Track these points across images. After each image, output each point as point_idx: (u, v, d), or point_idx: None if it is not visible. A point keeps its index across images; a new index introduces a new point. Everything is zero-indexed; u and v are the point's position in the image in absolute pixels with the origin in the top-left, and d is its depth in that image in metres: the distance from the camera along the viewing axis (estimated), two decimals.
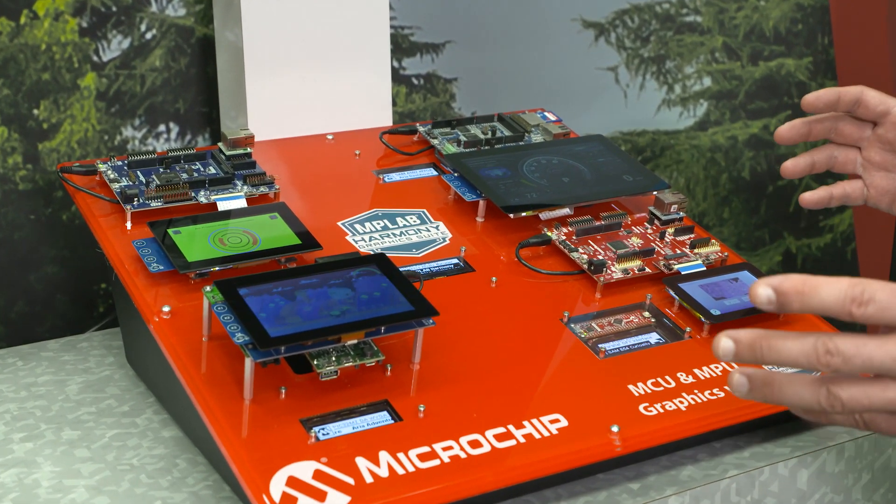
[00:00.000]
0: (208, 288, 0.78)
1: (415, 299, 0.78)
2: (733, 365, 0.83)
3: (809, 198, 1.01)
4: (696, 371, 0.82)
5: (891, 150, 0.96)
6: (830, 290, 0.65)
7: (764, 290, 0.65)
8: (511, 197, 0.93)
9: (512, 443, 0.75)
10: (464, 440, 0.74)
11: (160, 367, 0.83)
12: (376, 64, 1.05)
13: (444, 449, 0.73)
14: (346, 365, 0.76)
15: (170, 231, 0.86)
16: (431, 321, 0.78)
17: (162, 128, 1.09)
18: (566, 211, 0.94)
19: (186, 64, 1.08)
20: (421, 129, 1.04)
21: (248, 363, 0.74)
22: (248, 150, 0.95)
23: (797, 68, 1.38)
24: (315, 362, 0.76)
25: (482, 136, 1.03)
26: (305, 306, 0.76)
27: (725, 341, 0.67)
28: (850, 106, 0.97)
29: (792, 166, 1.01)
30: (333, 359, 0.76)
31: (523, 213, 0.92)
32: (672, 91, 1.32)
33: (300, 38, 1.02)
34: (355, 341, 0.76)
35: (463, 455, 0.73)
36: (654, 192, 0.96)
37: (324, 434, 0.74)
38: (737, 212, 1.40)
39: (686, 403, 0.79)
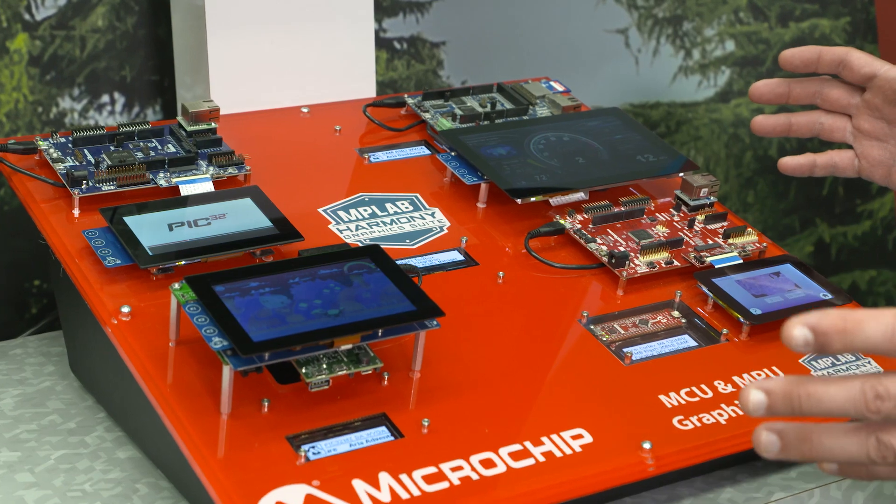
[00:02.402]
0: (177, 285, 0.79)
1: (416, 298, 0.79)
2: (776, 370, 0.85)
3: (788, 163, 1.04)
4: (736, 379, 0.84)
5: (880, 116, 0.99)
6: (877, 325, 0.65)
7: (800, 332, 0.65)
8: (517, 179, 0.95)
9: (530, 462, 0.76)
10: (475, 459, 0.76)
11: (115, 377, 0.84)
12: (357, 26, 1.06)
13: (453, 469, 0.75)
14: (340, 373, 0.77)
15: (126, 219, 0.86)
16: (436, 323, 0.79)
17: (105, 98, 1.09)
18: (580, 196, 0.96)
19: (134, 24, 1.09)
20: (410, 101, 1.05)
21: (227, 372, 0.75)
22: (213, 125, 0.96)
23: (833, 30, 1.40)
24: (304, 370, 0.77)
25: (480, 110, 1.04)
26: (291, 306, 0.77)
27: (756, 395, 0.67)
28: (833, 67, 1.00)
29: (763, 120, 1.03)
30: (324, 366, 0.77)
31: (532, 199, 0.94)
32: (690, 57, 1.34)
33: None
34: (350, 346, 0.77)
35: (475, 476, 0.75)
36: (681, 174, 0.98)
37: (314, 453, 0.75)
38: (763, 195, 1.42)
39: (725, 416, 0.81)
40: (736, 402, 0.82)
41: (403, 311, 0.78)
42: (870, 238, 1.49)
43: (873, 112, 0.98)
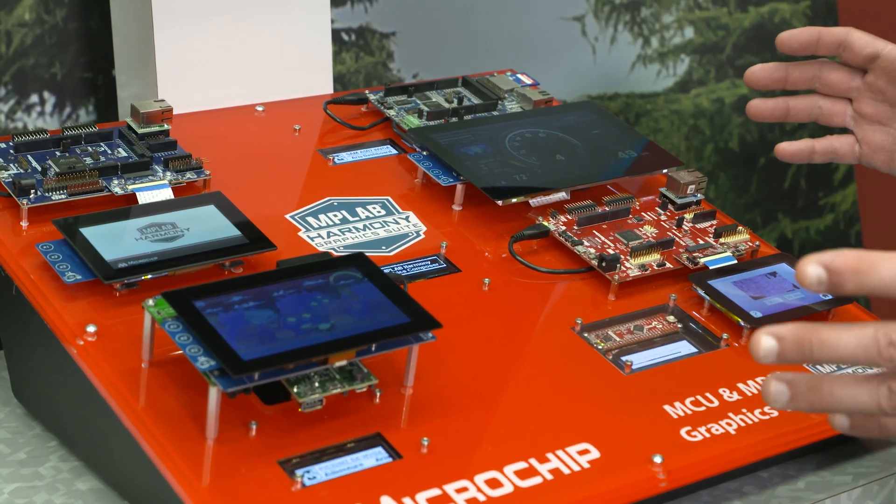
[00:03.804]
0: (151, 301, 0.78)
1: (410, 309, 0.80)
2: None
3: (786, 149, 1.05)
4: (741, 386, 0.86)
5: (883, 99, 1.01)
6: (892, 266, 0.67)
7: (814, 270, 0.67)
8: (496, 179, 0.96)
9: (538, 480, 0.77)
10: (480, 479, 0.77)
11: (74, 402, 0.84)
12: (313, 15, 1.06)
13: (458, 490, 0.76)
14: (334, 392, 0.78)
15: (83, 231, 0.86)
16: (431, 335, 0.80)
17: (34, 98, 1.08)
18: (562, 195, 0.97)
19: (64, 17, 1.08)
20: (371, 97, 1.05)
21: (214, 394, 0.75)
22: (166, 126, 0.96)
23: (793, 14, 1.44)
24: (295, 390, 0.77)
25: (447, 105, 1.05)
26: (279, 321, 0.77)
27: (767, 340, 0.69)
28: (833, 49, 1.01)
29: (759, 104, 1.04)
30: (317, 385, 0.78)
31: (513, 199, 0.95)
32: (648, 45, 1.36)
33: None
34: (344, 362, 0.77)
35: (482, 497, 0.75)
36: (664, 171, 1.00)
37: (310, 478, 0.75)
38: (724, 190, 1.45)
39: (735, 425, 0.83)
40: (744, 410, 0.84)
41: (398, 324, 0.79)
42: (832, 233, 1.53)
43: (876, 95, 1.00)
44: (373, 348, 0.78)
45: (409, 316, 0.79)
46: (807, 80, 1.03)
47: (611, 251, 0.93)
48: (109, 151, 0.94)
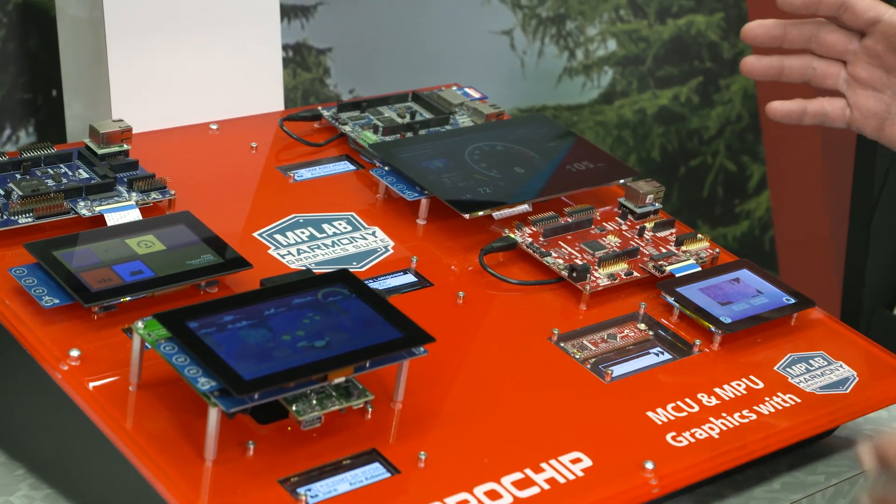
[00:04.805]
0: (141, 324, 0.78)
1: (402, 324, 0.80)
2: (754, 380, 0.89)
3: (779, 108, 1.03)
4: (718, 390, 0.88)
5: (880, 65, 1.00)
6: None
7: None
8: (460, 193, 0.96)
9: (535, 490, 0.78)
10: (479, 491, 0.77)
11: (51, 428, 0.83)
12: (263, 33, 1.06)
13: None
14: (332, 409, 0.78)
15: (57, 254, 0.85)
16: (423, 350, 0.80)
17: None
18: (525, 207, 0.98)
19: (2, 38, 1.07)
20: (325, 113, 1.05)
21: (214, 414, 0.74)
22: (126, 146, 0.95)
23: (708, 26, 1.47)
24: (294, 408, 0.77)
25: (400, 121, 1.05)
26: (274, 340, 0.77)
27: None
28: (834, 9, 1.00)
29: (754, 62, 1.03)
30: (314, 402, 0.77)
31: (480, 213, 0.96)
32: (574, 57, 1.38)
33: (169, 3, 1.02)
34: (343, 379, 0.77)
35: None
36: (621, 181, 1.02)
37: (312, 496, 0.75)
38: None
39: (717, 429, 0.85)
40: (724, 414, 0.86)
41: (392, 339, 0.79)
42: (748, 239, 1.56)
43: (872, 59, 1.00)
44: (367, 365, 0.78)
45: (402, 331, 0.80)
46: (804, 39, 1.02)
47: (579, 261, 0.94)
48: (70, 173, 0.93)
